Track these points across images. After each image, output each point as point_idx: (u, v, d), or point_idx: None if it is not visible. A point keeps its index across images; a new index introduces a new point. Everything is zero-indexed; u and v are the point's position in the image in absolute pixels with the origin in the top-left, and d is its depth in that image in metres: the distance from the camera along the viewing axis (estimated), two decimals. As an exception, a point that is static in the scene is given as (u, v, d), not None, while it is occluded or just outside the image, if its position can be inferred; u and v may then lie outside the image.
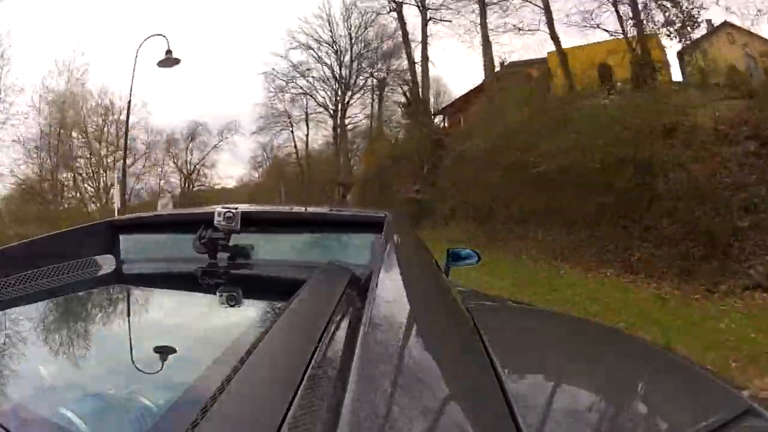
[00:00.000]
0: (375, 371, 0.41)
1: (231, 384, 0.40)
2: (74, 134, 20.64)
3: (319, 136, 24.95)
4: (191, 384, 0.51)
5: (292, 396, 0.39)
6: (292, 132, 25.18)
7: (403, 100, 19.58)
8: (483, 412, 0.44)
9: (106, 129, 22.84)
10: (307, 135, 25.37)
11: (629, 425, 0.53)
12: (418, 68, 17.31)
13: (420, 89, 17.46)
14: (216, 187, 25.60)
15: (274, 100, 23.62)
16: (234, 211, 1.06)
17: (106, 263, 1.09)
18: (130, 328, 0.77)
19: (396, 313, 0.59)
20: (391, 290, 0.65)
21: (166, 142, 24.64)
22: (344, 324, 0.62)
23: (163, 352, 0.69)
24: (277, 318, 0.58)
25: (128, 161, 23.87)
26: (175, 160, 25.09)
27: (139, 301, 0.92)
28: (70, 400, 0.52)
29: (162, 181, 24.44)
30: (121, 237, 1.22)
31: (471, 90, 16.36)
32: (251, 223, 1.09)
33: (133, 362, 0.64)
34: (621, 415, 0.55)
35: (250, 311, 0.89)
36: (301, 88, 23.47)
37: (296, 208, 1.33)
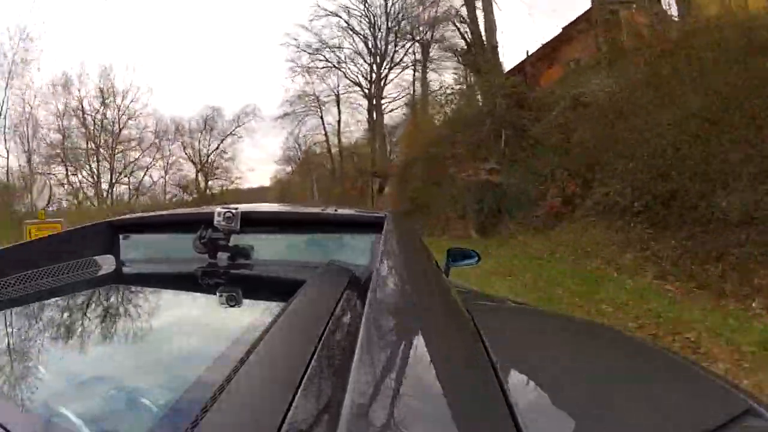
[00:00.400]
0: (375, 371, 0.42)
1: (231, 384, 0.40)
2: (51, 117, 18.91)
3: (353, 122, 21.30)
4: (191, 384, 0.51)
5: (292, 396, 0.39)
6: (321, 117, 21.61)
7: (455, 51, 14.68)
8: (483, 412, 0.44)
9: (108, 114, 20.75)
10: (339, 120, 21.48)
11: (629, 425, 0.53)
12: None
13: (483, 32, 11.98)
14: (236, 181, 22.42)
15: (297, 76, 20.27)
16: (234, 211, 1.06)
17: (106, 263, 1.09)
18: (130, 329, 0.77)
19: (396, 314, 0.59)
20: (391, 290, 0.65)
21: (174, 128, 21.97)
22: (344, 324, 0.62)
23: (163, 352, 0.69)
24: (277, 318, 0.58)
25: (135, 155, 21.74)
26: (186, 149, 22.27)
27: (139, 301, 0.92)
28: (70, 400, 0.52)
29: (167, 175, 22.14)
30: (121, 237, 1.23)
31: (544, 46, 12.53)
32: (251, 223, 1.09)
33: (133, 362, 0.64)
34: (621, 415, 0.55)
35: (250, 311, 0.89)
36: (329, 61, 19.96)
37: (304, 208, 1.33)
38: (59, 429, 0.45)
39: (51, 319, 0.81)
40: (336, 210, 1.21)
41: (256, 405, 0.39)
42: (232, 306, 0.87)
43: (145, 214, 1.56)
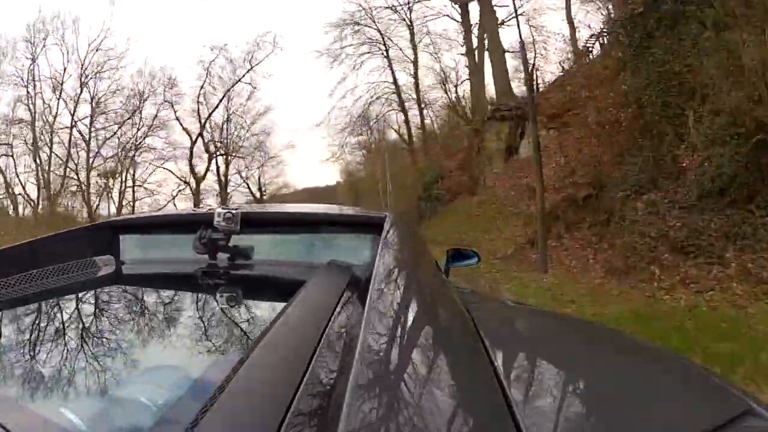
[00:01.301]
0: (375, 371, 0.42)
1: (231, 384, 0.40)
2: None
3: (435, 61, 11.89)
4: (191, 384, 0.51)
5: (292, 396, 0.39)
6: (386, 55, 12.58)
7: None
8: (483, 412, 0.44)
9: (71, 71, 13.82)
10: (414, 58, 12.42)
11: (629, 425, 0.53)
12: None
13: None
14: (267, 163, 15.34)
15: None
16: (234, 211, 1.06)
17: (106, 264, 1.09)
18: (129, 329, 0.77)
19: (396, 314, 0.59)
20: (391, 290, 0.65)
21: (167, 82, 15.17)
22: (344, 324, 0.62)
23: (163, 352, 0.69)
24: (277, 318, 0.58)
25: (120, 126, 14.26)
26: (175, 107, 15.50)
27: (139, 301, 0.92)
28: (70, 400, 0.52)
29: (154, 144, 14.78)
30: (121, 237, 1.23)
31: None
32: (251, 223, 1.09)
33: (133, 362, 0.64)
34: (620, 415, 0.55)
35: (250, 312, 0.89)
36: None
37: (304, 208, 1.33)
38: (59, 429, 0.45)
39: (51, 319, 0.81)
40: (337, 210, 1.20)
41: (256, 405, 0.39)
42: (232, 306, 0.87)
43: (145, 215, 1.56)
